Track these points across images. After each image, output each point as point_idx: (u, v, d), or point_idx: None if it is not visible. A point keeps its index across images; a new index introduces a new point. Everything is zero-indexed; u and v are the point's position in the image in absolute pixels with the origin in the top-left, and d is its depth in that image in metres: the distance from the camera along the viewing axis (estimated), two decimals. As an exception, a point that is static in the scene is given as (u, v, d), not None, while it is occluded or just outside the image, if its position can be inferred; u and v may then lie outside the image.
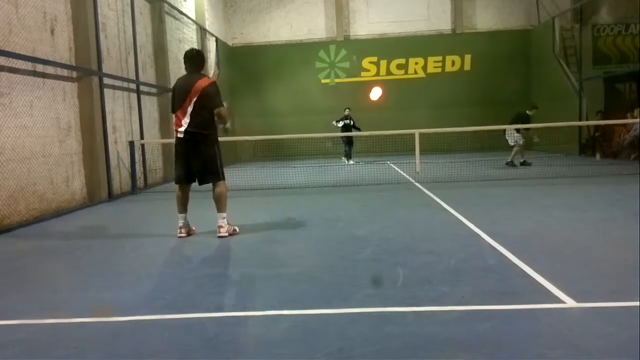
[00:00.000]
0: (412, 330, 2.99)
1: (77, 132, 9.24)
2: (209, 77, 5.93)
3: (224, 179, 5.95)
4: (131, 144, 10.89)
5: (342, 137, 16.62)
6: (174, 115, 6.00)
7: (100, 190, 9.58)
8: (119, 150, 10.71)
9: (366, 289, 3.81)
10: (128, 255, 5.40)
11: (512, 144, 13.22)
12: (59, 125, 8.64)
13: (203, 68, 6.04)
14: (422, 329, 3.01)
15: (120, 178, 10.79)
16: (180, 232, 5.94)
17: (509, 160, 13.31)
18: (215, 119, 5.85)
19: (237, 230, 6.01)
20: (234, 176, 12.13)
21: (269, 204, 8.60)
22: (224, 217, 5.86)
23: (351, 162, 16.85)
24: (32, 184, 7.77)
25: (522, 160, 13.29)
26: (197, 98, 5.69)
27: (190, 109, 5.70)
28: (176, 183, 6.05)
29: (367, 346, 2.79)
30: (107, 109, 9.98)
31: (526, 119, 12.87)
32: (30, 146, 7.77)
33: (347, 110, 17.09)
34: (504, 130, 13.09)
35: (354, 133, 16.26)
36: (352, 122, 16.79)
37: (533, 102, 13.78)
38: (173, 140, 12.45)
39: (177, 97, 5.82)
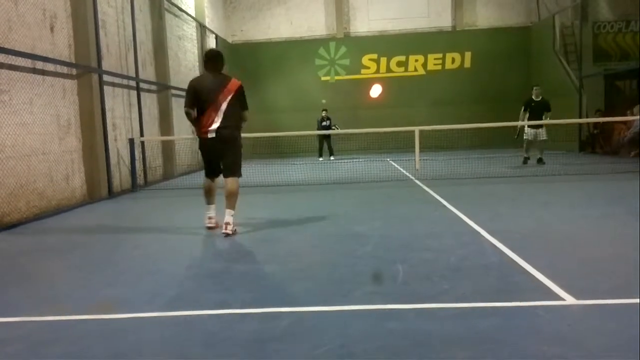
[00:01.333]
0: (412, 327, 3.00)
1: (77, 130, 9.24)
2: (236, 79, 6.07)
3: (241, 176, 6.06)
4: (131, 141, 10.88)
5: (321, 136, 17.37)
6: (189, 112, 5.87)
7: (100, 188, 9.58)
8: (118, 147, 10.71)
9: (366, 286, 3.82)
10: (128, 253, 5.41)
11: (546, 137, 12.76)
12: (59, 123, 8.64)
13: (223, 69, 6.11)
14: (422, 326, 3.01)
15: (121, 175, 10.79)
16: (210, 222, 6.08)
17: (539, 157, 12.87)
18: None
19: (237, 230, 6.00)
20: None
21: (270, 201, 8.61)
22: (233, 214, 5.85)
23: (332, 158, 17.51)
24: (32, 182, 7.77)
25: (526, 156, 13.03)
26: (233, 97, 5.82)
27: (224, 107, 5.79)
28: (207, 176, 6.19)
29: (368, 343, 2.80)
30: (107, 106, 9.98)
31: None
32: (30, 143, 7.77)
33: (324, 112, 17.69)
34: (541, 125, 12.44)
35: (331, 131, 16.78)
36: (329, 123, 17.54)
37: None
38: (173, 138, 12.39)
39: (205, 96, 5.79)
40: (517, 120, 12.90)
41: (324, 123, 17.54)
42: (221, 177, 6.09)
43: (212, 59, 6.02)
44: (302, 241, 5.59)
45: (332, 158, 17.60)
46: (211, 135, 5.81)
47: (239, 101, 5.92)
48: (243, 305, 3.54)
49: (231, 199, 5.87)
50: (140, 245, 5.69)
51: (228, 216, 5.82)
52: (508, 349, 2.68)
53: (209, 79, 5.92)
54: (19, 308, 3.66)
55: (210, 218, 6.13)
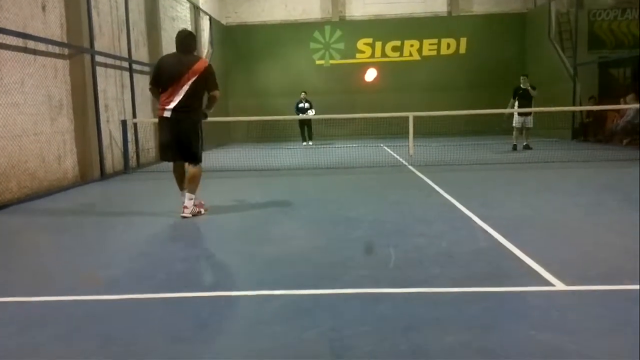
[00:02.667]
0: (403, 311, 3.02)
1: (69, 110, 9.16)
2: (205, 59, 5.90)
3: (201, 161, 5.98)
4: (123, 122, 10.80)
5: (301, 120, 17.29)
6: (152, 90, 6.00)
7: (92, 169, 9.54)
8: (111, 129, 10.64)
9: (358, 270, 3.83)
10: (120, 234, 5.40)
11: (531, 125, 13.06)
12: (51, 103, 8.56)
13: (195, 50, 6.01)
14: (412, 310, 3.04)
15: (113, 157, 10.73)
16: (183, 212, 5.85)
17: (525, 144, 13.11)
18: (205, 102, 5.93)
19: (203, 212, 5.98)
20: (227, 157, 12.11)
21: (262, 185, 8.60)
22: (192, 199, 5.86)
23: (310, 142, 17.43)
24: (24, 162, 7.72)
25: (514, 144, 13.24)
26: (196, 79, 5.69)
27: (186, 88, 5.66)
28: (162, 160, 6.13)
29: (358, 326, 2.82)
30: (99, 87, 9.89)
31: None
32: (22, 124, 7.70)
33: (303, 93, 17.59)
34: (529, 113, 12.75)
35: (311, 116, 16.84)
36: (308, 105, 17.42)
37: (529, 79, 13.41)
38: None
39: (168, 75, 5.72)
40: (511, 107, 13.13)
41: (300, 105, 17.32)
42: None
43: (182, 39, 5.90)
44: (294, 225, 5.60)
45: (310, 143, 17.34)
46: (167, 114, 5.72)
47: (206, 82, 5.77)
48: (234, 288, 3.55)
49: (192, 183, 5.87)
50: (132, 227, 5.68)
51: (186, 199, 5.84)
52: (497, 334, 2.71)
53: (175, 58, 5.84)
54: (10, 288, 3.65)
55: (184, 207, 5.88)
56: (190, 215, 5.83)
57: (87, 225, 5.89)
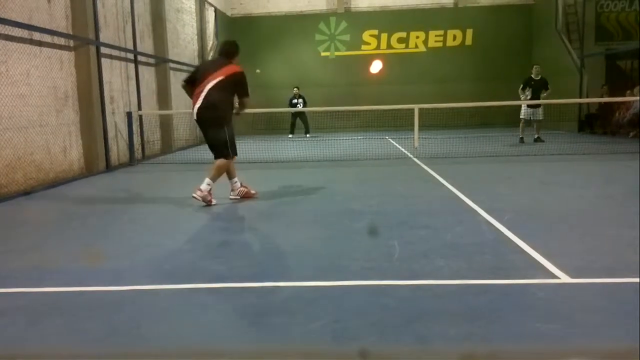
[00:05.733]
0: (408, 303, 3.03)
1: (75, 102, 9.18)
2: (238, 66, 6.18)
3: (223, 157, 6.13)
4: (129, 114, 10.81)
5: (293, 113, 17.45)
6: (183, 86, 6.33)
7: (97, 161, 9.56)
8: (116, 121, 10.66)
9: (362, 262, 3.84)
10: (126, 226, 5.42)
11: (541, 117, 12.88)
12: (56, 95, 8.58)
13: (234, 59, 6.22)
14: (417, 302, 3.04)
15: (118, 149, 10.76)
16: (195, 192, 6.02)
17: (537, 137, 12.96)
18: (236, 106, 6.26)
19: (213, 202, 6.07)
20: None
21: (267, 178, 8.60)
22: (208, 184, 6.02)
23: (307, 135, 17.50)
24: (30, 154, 7.75)
25: (521, 137, 13.11)
26: (223, 80, 5.92)
27: (208, 88, 5.91)
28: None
29: (363, 318, 2.82)
30: (105, 79, 9.90)
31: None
32: (28, 115, 7.73)
33: (296, 89, 17.66)
34: (539, 105, 12.53)
35: (304, 109, 16.96)
36: (302, 100, 17.55)
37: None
38: (171, 112, 12.48)
39: (200, 74, 6.09)
40: (517, 98, 12.95)
41: (294, 101, 17.48)
42: None
43: (222, 46, 6.35)
44: (299, 217, 5.61)
45: (307, 136, 17.39)
46: (195, 115, 6.04)
47: (233, 87, 6.02)
48: (240, 279, 3.56)
49: (212, 170, 6.08)
50: (138, 218, 5.70)
51: (204, 184, 6.01)
52: (502, 326, 2.71)
53: (211, 62, 6.14)
54: (17, 279, 3.68)
55: (199, 189, 6.05)
56: (199, 198, 5.94)
57: (93, 216, 5.91)
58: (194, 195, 5.96)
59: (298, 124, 17.88)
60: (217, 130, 6.04)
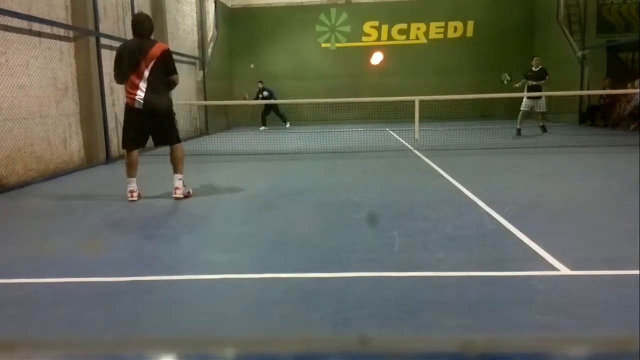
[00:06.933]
0: (408, 295, 3.04)
1: (75, 93, 9.16)
2: (163, 43, 5.92)
3: (180, 141, 6.05)
4: (129, 106, 10.77)
5: (263, 105, 17.42)
6: (123, 83, 5.87)
7: (98, 152, 9.56)
8: (116, 112, 10.62)
9: (362, 253, 3.84)
10: (126, 217, 5.43)
11: (545, 109, 12.78)
12: (56, 86, 8.56)
13: (152, 33, 5.94)
14: (417, 294, 3.05)
15: (118, 140, 10.72)
16: (132, 196, 5.90)
17: (541, 125, 12.87)
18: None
19: (191, 192, 6.05)
20: (232, 141, 12.10)
21: (267, 169, 8.60)
22: (180, 179, 5.93)
23: (287, 124, 17.57)
24: (30, 145, 7.74)
25: (518, 128, 13.00)
26: (156, 62, 5.65)
27: (147, 74, 5.64)
28: (128, 149, 6.00)
29: (363, 309, 2.83)
30: (105, 69, 9.86)
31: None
32: (27, 106, 7.71)
33: (260, 83, 17.56)
34: (539, 96, 12.42)
35: (273, 101, 16.85)
36: (269, 94, 17.41)
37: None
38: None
39: (128, 61, 5.68)
40: (517, 91, 12.88)
41: (260, 96, 17.38)
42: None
43: (137, 24, 5.81)
44: (299, 209, 5.61)
45: (287, 125, 17.46)
46: (138, 105, 5.68)
47: (164, 65, 5.71)
48: (240, 271, 3.57)
49: (178, 164, 5.94)
50: (138, 209, 5.70)
51: (177, 181, 5.90)
52: (501, 317, 2.72)
53: (133, 45, 5.78)
54: (17, 270, 3.68)
55: (132, 192, 5.93)
56: (182, 196, 5.90)
57: (94, 207, 5.91)
58: (176, 196, 5.87)
59: (274, 117, 17.85)
60: (170, 117, 5.93)
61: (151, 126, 5.81)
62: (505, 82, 12.96)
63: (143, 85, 5.64)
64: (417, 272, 3.41)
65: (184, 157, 6.05)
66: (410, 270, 3.44)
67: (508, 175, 7.44)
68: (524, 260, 3.62)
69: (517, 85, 12.78)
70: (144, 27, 5.79)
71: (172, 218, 5.38)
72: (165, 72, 5.75)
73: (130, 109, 5.79)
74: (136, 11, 11.59)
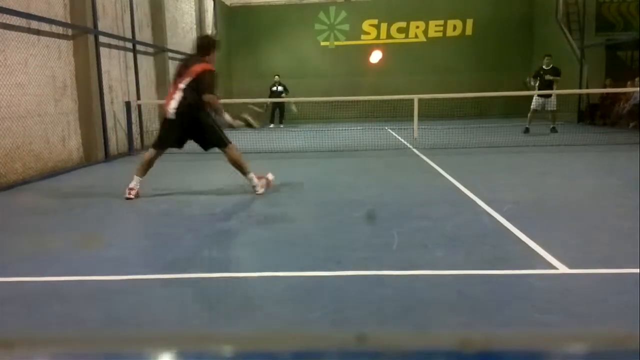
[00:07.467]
0: (406, 293, 3.04)
1: (73, 91, 9.15)
2: (208, 64, 5.86)
3: (229, 143, 6.03)
4: (127, 104, 10.77)
5: (273, 102, 17.17)
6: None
7: (96, 151, 9.55)
8: (115, 110, 10.62)
9: (361, 252, 3.85)
10: (125, 215, 5.42)
11: (555, 108, 12.82)
12: (55, 84, 8.55)
13: (208, 53, 5.93)
14: (416, 292, 3.05)
15: (117, 139, 10.73)
16: (130, 194, 5.89)
17: (552, 126, 12.88)
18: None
19: (271, 178, 6.16)
20: (231, 139, 12.07)
21: (267, 168, 8.57)
22: (252, 177, 5.99)
23: (281, 125, 17.50)
24: (28, 143, 7.73)
25: (527, 127, 12.96)
26: (193, 80, 5.71)
27: (182, 87, 5.73)
28: (156, 149, 6.05)
29: (362, 307, 2.83)
30: (103, 68, 9.85)
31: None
32: (26, 104, 7.70)
33: (276, 77, 17.68)
34: (550, 95, 12.44)
35: (284, 99, 16.87)
36: (281, 88, 17.52)
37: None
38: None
39: (175, 74, 5.94)
40: (517, 89, 12.91)
41: (273, 88, 17.40)
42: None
43: (197, 41, 6.21)
44: (298, 207, 5.61)
45: (281, 126, 17.40)
46: (170, 116, 5.77)
47: (198, 85, 5.71)
48: (238, 269, 3.57)
49: (237, 167, 6.02)
50: (137, 208, 5.70)
51: (249, 181, 6.00)
52: (500, 316, 2.72)
53: (185, 59, 6.03)
54: (16, 268, 3.68)
55: (132, 189, 5.92)
56: (263, 190, 5.98)
57: (93, 206, 5.91)
58: (260, 193, 5.94)
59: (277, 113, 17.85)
60: (208, 126, 5.88)
61: (184, 134, 5.94)
62: (529, 85, 13.00)
63: (177, 96, 5.75)
64: (416, 271, 3.41)
65: (240, 155, 6.09)
66: (409, 269, 3.44)
67: (507, 173, 7.44)
68: (523, 258, 3.62)
69: (535, 84, 12.80)
70: (197, 44, 6.09)
71: (173, 215, 5.37)
72: (198, 90, 5.73)
73: (165, 119, 5.95)
74: (135, 9, 11.60)
